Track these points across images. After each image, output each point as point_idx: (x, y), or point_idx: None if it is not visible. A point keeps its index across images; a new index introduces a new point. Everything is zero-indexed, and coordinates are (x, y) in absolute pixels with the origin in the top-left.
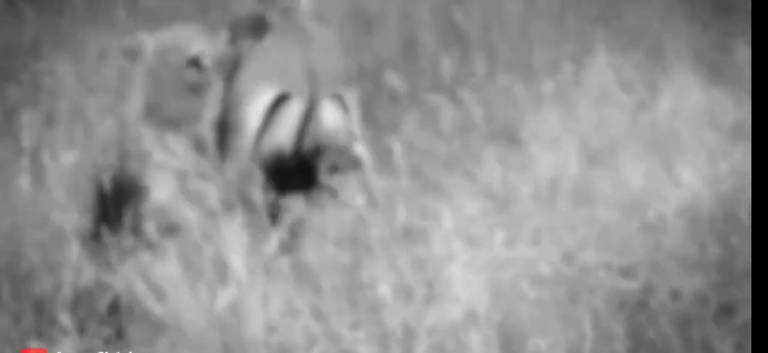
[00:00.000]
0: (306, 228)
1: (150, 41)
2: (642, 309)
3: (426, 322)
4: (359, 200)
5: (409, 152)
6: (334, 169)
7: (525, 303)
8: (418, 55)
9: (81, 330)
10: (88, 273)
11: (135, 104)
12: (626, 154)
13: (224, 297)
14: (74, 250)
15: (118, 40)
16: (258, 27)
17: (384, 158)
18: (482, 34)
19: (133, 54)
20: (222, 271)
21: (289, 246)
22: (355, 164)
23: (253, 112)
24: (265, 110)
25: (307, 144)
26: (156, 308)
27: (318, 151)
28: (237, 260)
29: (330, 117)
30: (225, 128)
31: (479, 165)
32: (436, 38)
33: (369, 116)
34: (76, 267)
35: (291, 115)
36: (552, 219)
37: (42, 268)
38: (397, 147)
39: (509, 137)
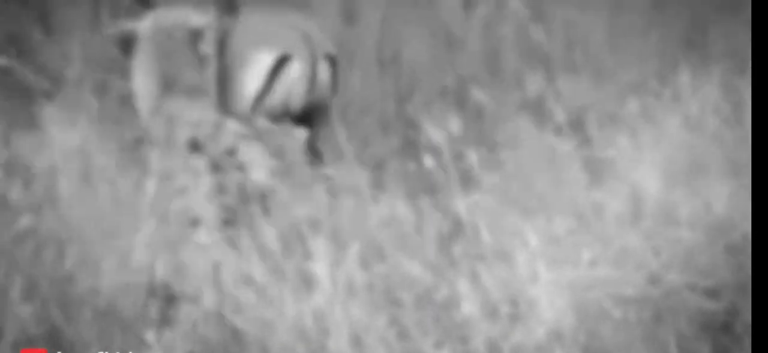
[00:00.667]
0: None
1: (144, 25)
2: (726, 330)
3: (510, 341)
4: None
5: (494, 169)
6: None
7: (609, 323)
8: (502, 72)
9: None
10: (169, 285)
11: (150, 82)
12: (711, 174)
13: (309, 309)
14: (160, 268)
15: (109, 29)
16: (230, 5)
17: (467, 176)
18: (565, 53)
19: (126, 42)
20: (307, 282)
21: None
22: (328, 119)
23: (254, 74)
24: (268, 72)
25: (308, 101)
26: (238, 320)
27: (313, 108)
28: (322, 271)
29: (324, 76)
30: (225, 92)
31: (563, 185)
32: (519, 56)
33: (452, 130)
34: (162, 282)
35: (294, 75)
36: (637, 240)
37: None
38: (483, 162)
39: (593, 156)
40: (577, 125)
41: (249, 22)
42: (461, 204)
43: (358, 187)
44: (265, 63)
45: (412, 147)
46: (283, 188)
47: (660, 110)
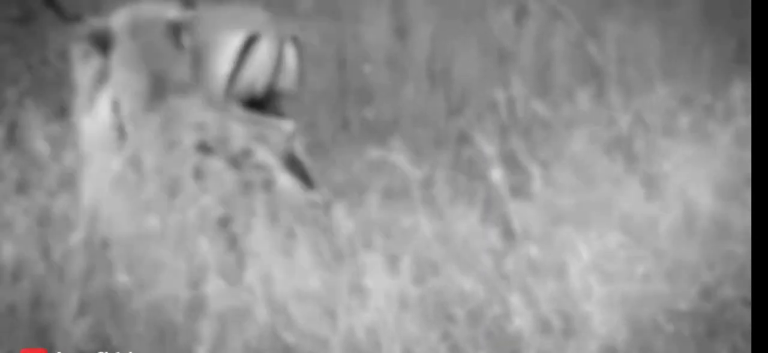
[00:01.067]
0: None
1: (118, 21)
2: None
3: None
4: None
5: (547, 182)
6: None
7: (663, 338)
8: (553, 86)
9: None
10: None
11: (136, 81)
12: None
13: (362, 324)
14: (211, 282)
15: (81, 28)
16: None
17: (520, 190)
18: (617, 67)
19: (102, 40)
20: (360, 296)
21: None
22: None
23: (225, 55)
24: (237, 52)
25: (273, 85)
26: (290, 336)
27: (276, 94)
28: (375, 285)
29: (290, 60)
30: (198, 77)
31: (616, 199)
32: (571, 70)
33: (504, 145)
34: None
35: (263, 53)
36: (690, 254)
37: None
38: (535, 177)
39: (645, 171)
40: (629, 139)
41: (213, 12)
42: (514, 218)
43: (411, 200)
44: (234, 44)
45: (464, 161)
46: (337, 202)
47: (712, 124)
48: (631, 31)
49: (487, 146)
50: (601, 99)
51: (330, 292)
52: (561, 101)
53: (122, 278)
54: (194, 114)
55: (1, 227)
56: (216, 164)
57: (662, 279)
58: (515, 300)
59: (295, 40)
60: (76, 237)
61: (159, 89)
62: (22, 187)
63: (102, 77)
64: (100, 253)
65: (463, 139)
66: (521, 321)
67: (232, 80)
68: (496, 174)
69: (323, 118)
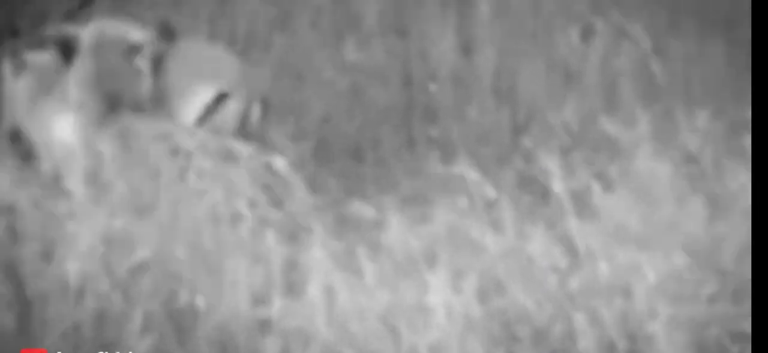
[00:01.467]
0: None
1: (86, 33)
2: None
3: None
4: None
5: (611, 202)
6: None
7: None
8: (620, 105)
9: None
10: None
11: (92, 97)
12: None
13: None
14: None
15: (49, 30)
16: (167, 31)
17: (585, 209)
18: (683, 86)
19: (67, 46)
20: (424, 316)
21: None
22: None
23: (191, 106)
24: (205, 107)
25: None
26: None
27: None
28: (439, 304)
29: (254, 118)
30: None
31: (682, 219)
32: (637, 89)
33: (569, 163)
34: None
35: (229, 114)
36: None
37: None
38: (600, 196)
39: (711, 190)
40: (695, 159)
41: (188, 51)
42: (579, 238)
43: (476, 218)
44: (203, 98)
45: (529, 179)
46: (394, 219)
47: None
48: (698, 50)
49: (552, 165)
50: (667, 118)
51: (393, 310)
52: (626, 119)
53: (186, 295)
54: (155, 127)
55: (65, 244)
56: (276, 179)
57: (728, 301)
58: (580, 320)
59: (264, 101)
60: (141, 255)
61: (114, 107)
62: (86, 205)
63: (44, 90)
64: (164, 270)
65: (528, 157)
66: (586, 342)
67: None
68: (561, 193)
69: (388, 135)
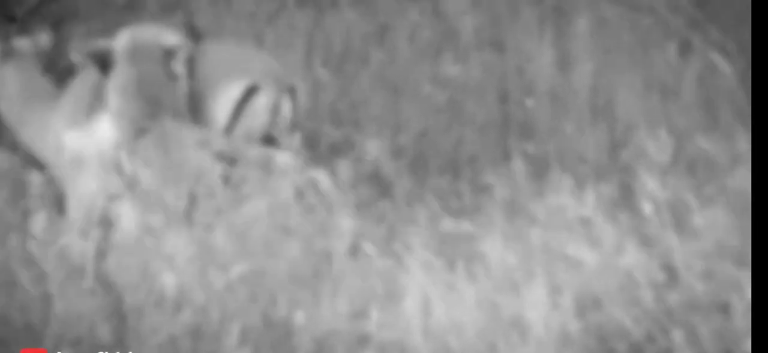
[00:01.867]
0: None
1: (120, 43)
2: None
3: None
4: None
5: (709, 219)
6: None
7: None
8: (718, 123)
9: None
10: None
11: (132, 106)
12: None
13: None
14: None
15: (84, 46)
16: (193, 32)
17: (683, 224)
18: None
19: (103, 60)
20: (521, 331)
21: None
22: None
23: (223, 104)
24: (235, 103)
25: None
26: None
27: (267, 138)
28: (536, 319)
29: (285, 110)
30: (197, 118)
31: None
32: (735, 106)
33: (666, 180)
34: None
35: (261, 105)
36: None
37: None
38: (697, 213)
39: None
40: None
41: (216, 50)
42: (677, 253)
43: (573, 234)
44: (233, 94)
45: (626, 195)
46: (491, 234)
47: None
48: None
49: (650, 181)
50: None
51: (490, 325)
52: (724, 137)
53: (282, 309)
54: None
55: (163, 257)
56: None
57: None
58: (677, 337)
59: (292, 91)
60: (238, 269)
61: (154, 114)
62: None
63: (98, 96)
64: (258, 283)
65: (625, 173)
66: None
67: (228, 130)
68: (658, 209)
69: (484, 150)
